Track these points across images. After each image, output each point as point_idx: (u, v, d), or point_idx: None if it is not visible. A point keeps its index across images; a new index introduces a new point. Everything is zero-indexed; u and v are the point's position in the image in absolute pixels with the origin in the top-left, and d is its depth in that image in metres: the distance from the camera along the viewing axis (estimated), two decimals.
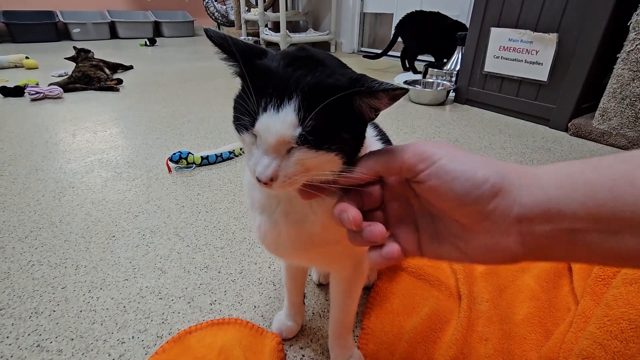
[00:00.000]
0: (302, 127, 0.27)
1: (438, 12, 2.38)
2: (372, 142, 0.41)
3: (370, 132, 0.42)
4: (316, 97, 0.26)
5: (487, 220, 0.24)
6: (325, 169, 0.29)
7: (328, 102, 0.26)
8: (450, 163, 0.25)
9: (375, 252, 0.28)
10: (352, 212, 0.28)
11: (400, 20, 2.49)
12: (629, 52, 1.25)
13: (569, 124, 1.48)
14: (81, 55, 2.26)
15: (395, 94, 0.26)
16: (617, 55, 1.29)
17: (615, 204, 0.21)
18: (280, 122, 0.26)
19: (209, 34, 0.31)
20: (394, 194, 0.31)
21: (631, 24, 1.24)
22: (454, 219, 0.27)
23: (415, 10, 2.44)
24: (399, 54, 2.72)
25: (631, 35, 1.24)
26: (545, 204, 0.23)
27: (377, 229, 0.28)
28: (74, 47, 2.34)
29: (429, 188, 0.26)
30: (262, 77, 0.29)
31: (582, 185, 0.22)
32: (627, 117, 1.30)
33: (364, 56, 2.80)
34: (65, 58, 2.28)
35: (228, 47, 0.30)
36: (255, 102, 0.28)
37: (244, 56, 0.30)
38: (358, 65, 2.96)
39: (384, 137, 0.46)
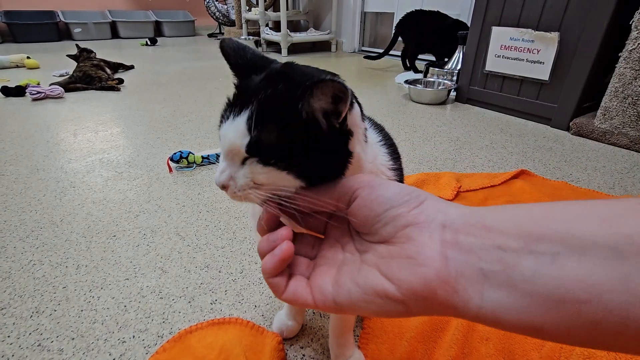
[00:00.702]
0: (250, 138, 0.26)
1: (438, 11, 2.37)
2: (376, 148, 0.40)
3: (373, 136, 0.42)
4: (266, 109, 0.26)
5: (412, 225, 0.23)
6: (280, 187, 0.28)
7: (278, 115, 0.26)
8: (381, 180, 0.27)
9: (269, 254, 0.26)
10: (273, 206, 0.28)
11: (400, 20, 2.49)
12: (631, 50, 1.25)
13: (571, 123, 1.47)
14: (83, 55, 2.26)
15: (323, 85, 0.24)
16: (619, 54, 1.29)
17: (548, 222, 0.19)
18: (232, 130, 0.27)
19: (222, 44, 0.32)
20: (332, 237, 0.30)
21: (633, 23, 1.23)
22: (379, 238, 0.25)
23: (415, 10, 2.43)
24: (399, 53, 2.71)
25: (633, 33, 1.23)
26: (470, 218, 0.22)
27: (284, 229, 0.27)
28: (77, 46, 2.35)
29: (361, 200, 0.26)
30: (244, 89, 0.29)
31: (511, 208, 0.22)
32: (629, 116, 1.30)
33: (365, 57, 2.80)
34: (67, 55, 2.29)
35: (232, 59, 0.31)
36: (225, 111, 0.29)
37: (243, 69, 0.31)
38: (359, 65, 2.96)
39: (388, 141, 0.45)
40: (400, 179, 0.45)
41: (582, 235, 0.18)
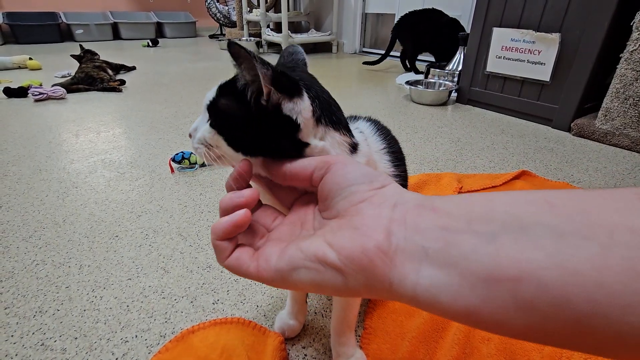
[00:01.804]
0: (212, 100, 0.31)
1: (433, 9, 2.36)
2: (376, 157, 0.40)
3: (377, 144, 0.42)
4: (234, 79, 0.30)
5: (366, 201, 0.24)
6: (226, 154, 0.31)
7: (233, 84, 0.30)
8: (355, 161, 0.28)
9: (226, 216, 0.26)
10: (243, 164, 0.29)
11: (395, 23, 2.50)
12: (632, 51, 1.25)
13: (572, 124, 1.47)
14: (87, 56, 2.27)
15: (231, 46, 0.26)
16: (620, 55, 1.29)
17: (493, 205, 0.20)
18: (212, 89, 0.32)
19: (285, 49, 0.39)
20: (296, 214, 0.30)
21: (634, 24, 1.23)
22: (334, 213, 0.25)
23: (409, 12, 2.43)
24: (399, 53, 2.72)
25: (634, 35, 1.24)
26: (422, 201, 0.23)
27: (249, 190, 0.27)
28: (81, 46, 2.35)
29: (330, 175, 0.26)
30: None
31: (465, 195, 0.22)
32: (630, 117, 1.30)
33: (364, 63, 2.81)
34: (71, 55, 2.30)
35: (281, 59, 0.38)
36: None
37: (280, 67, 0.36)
38: (359, 66, 2.96)
39: (392, 148, 0.45)
40: (403, 185, 0.45)
41: (525, 217, 0.18)
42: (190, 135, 0.34)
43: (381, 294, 0.21)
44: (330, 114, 0.31)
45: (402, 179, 0.46)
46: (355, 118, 0.50)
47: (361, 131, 0.41)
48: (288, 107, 0.28)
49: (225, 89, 0.31)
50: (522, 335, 0.18)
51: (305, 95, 0.29)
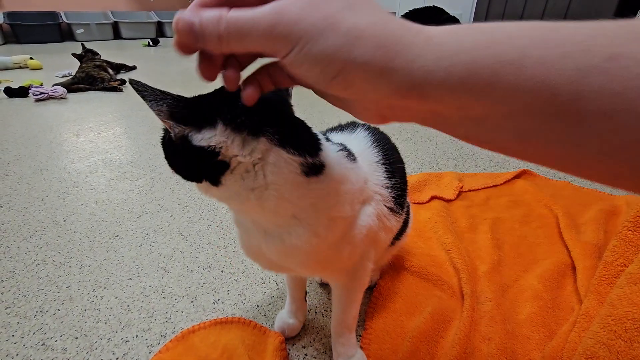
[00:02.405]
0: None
1: (434, 7, 2.36)
2: (372, 169, 0.42)
3: (372, 157, 0.44)
4: None
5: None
6: None
7: None
8: (315, 45, 0.20)
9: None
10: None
11: None
12: None
13: None
14: (88, 56, 2.27)
15: (134, 88, 0.28)
16: None
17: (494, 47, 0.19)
18: None
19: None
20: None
21: None
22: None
23: (410, 10, 2.43)
24: None
25: None
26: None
27: (230, 73, 0.25)
28: (82, 45, 2.35)
29: (290, 73, 0.23)
30: None
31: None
32: None
33: None
34: (72, 54, 2.29)
35: None
36: None
37: None
38: None
39: (389, 159, 0.45)
40: (400, 195, 0.46)
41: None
42: None
43: None
44: (276, 132, 0.29)
45: (398, 189, 0.46)
46: (354, 125, 0.50)
47: (347, 146, 0.40)
48: (197, 138, 0.28)
49: None
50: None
51: (220, 124, 0.28)
